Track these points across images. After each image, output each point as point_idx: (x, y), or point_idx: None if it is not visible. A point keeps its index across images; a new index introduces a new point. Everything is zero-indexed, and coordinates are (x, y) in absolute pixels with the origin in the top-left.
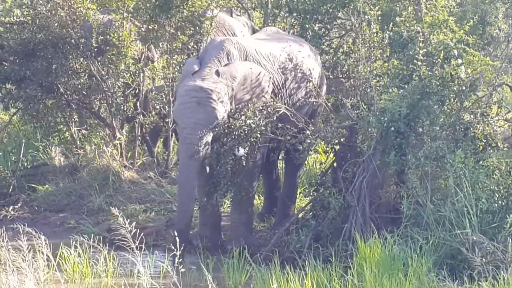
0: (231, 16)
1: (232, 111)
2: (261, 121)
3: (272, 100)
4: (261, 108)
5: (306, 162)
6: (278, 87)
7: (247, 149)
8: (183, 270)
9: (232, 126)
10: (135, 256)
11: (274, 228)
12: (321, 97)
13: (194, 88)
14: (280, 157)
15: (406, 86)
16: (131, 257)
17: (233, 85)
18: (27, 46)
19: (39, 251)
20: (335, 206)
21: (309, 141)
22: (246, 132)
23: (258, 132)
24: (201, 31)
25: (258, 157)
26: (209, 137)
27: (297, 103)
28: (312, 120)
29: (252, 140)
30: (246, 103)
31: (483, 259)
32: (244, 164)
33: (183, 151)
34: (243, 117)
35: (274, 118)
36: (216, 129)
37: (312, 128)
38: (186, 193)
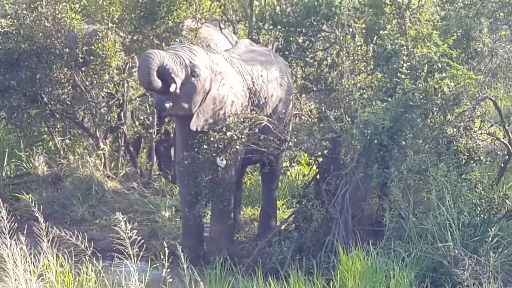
0: (219, 29)
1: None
2: (241, 134)
3: (255, 112)
4: (242, 120)
5: (289, 173)
6: (259, 100)
7: (224, 161)
8: (170, 280)
9: (212, 138)
10: (118, 266)
11: (257, 239)
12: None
13: (183, 44)
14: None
15: (389, 99)
16: (113, 267)
17: (216, 69)
18: (11, 56)
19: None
20: (318, 218)
21: (291, 152)
22: (225, 143)
23: (238, 143)
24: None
25: (236, 167)
26: (183, 72)
27: (278, 116)
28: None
29: (233, 151)
30: (222, 100)
31: (465, 273)
32: (222, 175)
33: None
34: (223, 129)
35: (257, 130)
36: (194, 78)
37: (295, 139)
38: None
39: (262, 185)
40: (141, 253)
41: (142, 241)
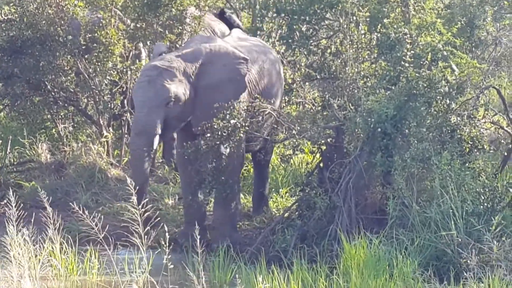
0: (224, 15)
1: (200, 89)
2: (245, 122)
3: (258, 100)
4: (246, 107)
5: (292, 161)
6: (257, 89)
7: (228, 149)
8: (171, 266)
9: (216, 126)
10: (121, 254)
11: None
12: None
13: (149, 67)
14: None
15: (393, 88)
16: (117, 254)
17: (195, 64)
18: (14, 43)
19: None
20: (321, 207)
21: (295, 140)
22: (229, 131)
23: (242, 131)
24: (189, 30)
25: (241, 155)
26: (160, 115)
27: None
28: None
29: (237, 138)
30: (219, 85)
31: (469, 261)
32: (226, 163)
33: (132, 128)
34: (227, 117)
35: (260, 118)
36: (171, 106)
37: (298, 128)
38: (136, 169)
39: (255, 172)
40: (145, 241)
41: (146, 228)
